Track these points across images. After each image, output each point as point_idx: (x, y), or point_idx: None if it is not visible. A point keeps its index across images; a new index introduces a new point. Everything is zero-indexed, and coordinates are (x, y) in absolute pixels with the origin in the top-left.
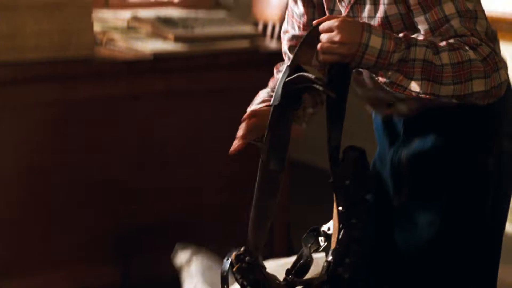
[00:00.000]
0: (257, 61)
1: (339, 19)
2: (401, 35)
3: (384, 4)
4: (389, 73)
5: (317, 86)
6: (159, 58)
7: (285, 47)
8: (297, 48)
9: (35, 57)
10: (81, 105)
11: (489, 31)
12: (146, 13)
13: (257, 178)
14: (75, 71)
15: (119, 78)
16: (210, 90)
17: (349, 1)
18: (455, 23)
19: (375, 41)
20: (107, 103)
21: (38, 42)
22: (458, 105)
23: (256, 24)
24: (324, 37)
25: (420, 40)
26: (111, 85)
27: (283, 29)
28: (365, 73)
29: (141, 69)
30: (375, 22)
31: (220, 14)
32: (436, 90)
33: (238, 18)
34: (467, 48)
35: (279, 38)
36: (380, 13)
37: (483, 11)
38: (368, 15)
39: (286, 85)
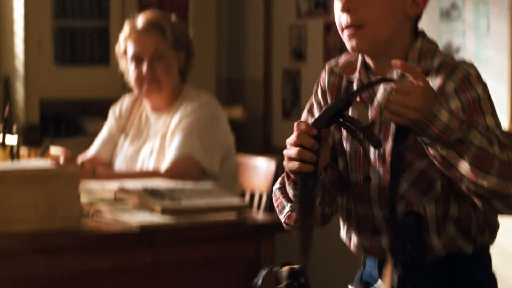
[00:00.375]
0: (245, 233)
1: (419, 85)
2: (461, 115)
3: None
4: (444, 149)
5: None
6: (146, 231)
7: None
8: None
9: (20, 229)
10: (65, 278)
11: None
12: (133, 184)
13: (299, 199)
14: (61, 243)
15: (106, 251)
16: (197, 262)
17: (379, 105)
18: (498, 133)
19: (444, 115)
20: (92, 276)
21: (23, 214)
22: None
23: (243, 193)
24: (398, 98)
25: (479, 125)
26: (97, 258)
27: None
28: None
29: (128, 242)
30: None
31: (207, 185)
32: (480, 177)
33: (225, 187)
34: (496, 143)
35: (266, 208)
36: None
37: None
38: None
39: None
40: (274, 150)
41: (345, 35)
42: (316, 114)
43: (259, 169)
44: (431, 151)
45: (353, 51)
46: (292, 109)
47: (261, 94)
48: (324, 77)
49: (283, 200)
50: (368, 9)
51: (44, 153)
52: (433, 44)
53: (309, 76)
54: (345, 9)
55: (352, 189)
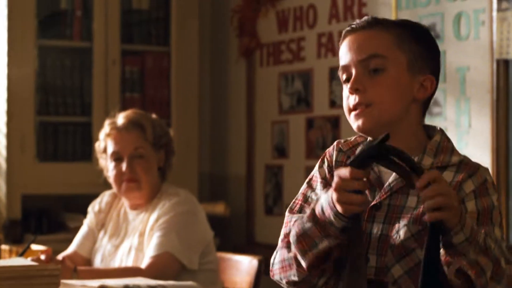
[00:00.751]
0: None
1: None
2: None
3: None
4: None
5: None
6: None
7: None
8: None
9: None
10: None
11: None
12: (115, 281)
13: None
14: None
15: None
16: None
17: (390, 188)
18: (503, 247)
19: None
20: None
21: None
22: None
23: None
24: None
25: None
26: None
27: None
28: None
29: None
30: (414, 213)
31: (189, 282)
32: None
33: (205, 283)
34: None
35: None
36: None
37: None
38: (409, 205)
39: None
40: (257, 246)
41: (351, 116)
42: (318, 188)
43: (242, 266)
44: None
45: (359, 131)
46: (275, 205)
47: (243, 190)
48: (332, 153)
49: (320, 234)
50: (376, 90)
51: (25, 253)
52: (450, 142)
53: (291, 171)
54: (353, 90)
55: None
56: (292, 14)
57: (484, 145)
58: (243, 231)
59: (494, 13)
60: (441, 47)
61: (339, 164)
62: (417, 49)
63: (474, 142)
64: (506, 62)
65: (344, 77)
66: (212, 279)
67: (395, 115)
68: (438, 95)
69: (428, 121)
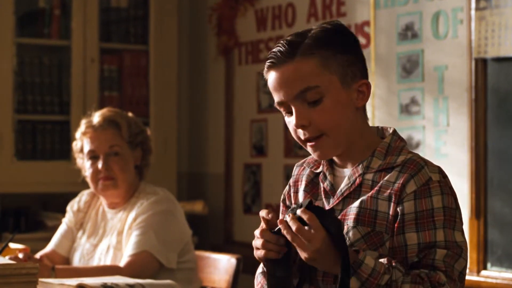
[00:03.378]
0: None
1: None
2: (384, 260)
3: (378, 199)
4: None
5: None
6: None
7: None
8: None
9: None
10: None
11: (464, 272)
12: (93, 280)
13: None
14: None
15: None
16: None
17: (342, 193)
18: (439, 255)
19: (369, 260)
20: None
21: None
22: None
23: None
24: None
25: (399, 265)
26: None
27: None
28: None
29: None
30: (361, 215)
31: (167, 281)
32: None
33: (183, 282)
34: (428, 285)
35: None
36: (372, 206)
37: (467, 246)
38: (359, 206)
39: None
40: (235, 245)
41: (308, 147)
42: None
43: (220, 264)
44: None
45: (320, 159)
46: (253, 203)
47: (222, 189)
48: (292, 174)
49: (265, 284)
50: (321, 119)
51: (3, 251)
52: (402, 142)
53: (270, 170)
54: (300, 126)
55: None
56: (271, 13)
57: (462, 143)
58: (221, 230)
59: (472, 12)
60: (419, 46)
61: (297, 175)
62: (344, 60)
63: (452, 141)
64: (484, 60)
65: (284, 111)
66: (191, 277)
67: (347, 134)
68: (416, 94)
69: (406, 120)
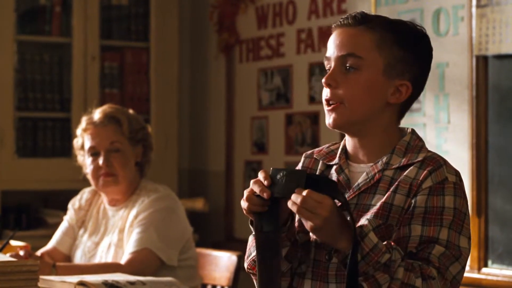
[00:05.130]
0: None
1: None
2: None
3: (396, 193)
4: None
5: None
6: None
7: None
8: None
9: None
10: None
11: (458, 277)
12: (93, 277)
13: (255, 243)
14: None
15: None
16: None
17: (359, 188)
18: (436, 250)
19: (373, 236)
20: None
21: None
22: None
23: (204, 286)
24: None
25: (399, 248)
26: None
27: None
28: None
29: None
30: (375, 209)
31: (168, 278)
32: None
33: (184, 279)
34: (418, 274)
35: None
36: (388, 200)
37: (468, 255)
38: (373, 204)
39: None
40: (236, 242)
41: (325, 110)
42: None
43: (221, 262)
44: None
45: (329, 127)
46: None
47: (223, 186)
48: (299, 164)
49: (252, 246)
50: (347, 89)
51: (4, 249)
52: (420, 141)
53: (270, 167)
54: (326, 84)
55: (312, 265)
56: (272, 10)
57: (463, 141)
58: (222, 227)
59: (473, 9)
60: None
61: (305, 167)
62: (399, 54)
63: (453, 138)
64: (485, 58)
65: (327, 66)
66: (191, 275)
67: (365, 115)
68: None
69: (407, 117)
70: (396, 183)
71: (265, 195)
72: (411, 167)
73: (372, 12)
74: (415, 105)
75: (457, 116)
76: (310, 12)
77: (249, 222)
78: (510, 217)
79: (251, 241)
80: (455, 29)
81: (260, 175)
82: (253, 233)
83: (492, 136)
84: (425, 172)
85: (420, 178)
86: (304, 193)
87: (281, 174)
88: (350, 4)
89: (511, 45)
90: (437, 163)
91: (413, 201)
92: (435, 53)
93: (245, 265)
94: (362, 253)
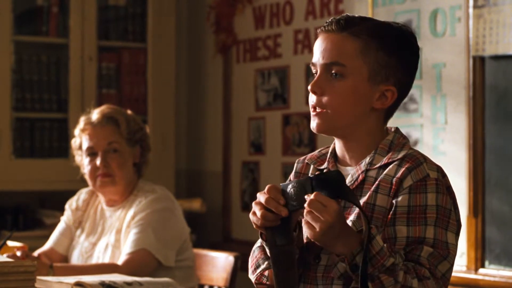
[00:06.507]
0: None
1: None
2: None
3: (377, 193)
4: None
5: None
6: None
7: None
8: None
9: None
10: None
11: (447, 275)
12: (90, 278)
13: (271, 258)
14: None
15: None
16: None
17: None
18: (425, 252)
19: (380, 240)
20: None
21: None
22: None
23: (201, 287)
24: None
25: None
26: None
27: None
28: None
29: None
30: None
31: (165, 279)
32: None
33: (181, 280)
34: (414, 276)
35: None
36: (370, 200)
37: (456, 251)
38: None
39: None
40: (233, 243)
41: (311, 115)
42: None
43: (218, 262)
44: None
45: (314, 131)
46: (251, 201)
47: (220, 187)
48: (294, 169)
49: (260, 258)
50: (332, 96)
51: (1, 249)
52: (404, 139)
53: (267, 168)
54: (312, 91)
55: (303, 269)
56: (269, 11)
57: (460, 141)
58: (219, 228)
59: (470, 10)
60: None
61: (298, 173)
62: (383, 59)
63: (450, 139)
64: (482, 58)
65: (314, 71)
66: (189, 275)
67: (349, 121)
68: (414, 91)
69: (404, 118)
70: (377, 182)
71: (282, 214)
72: (391, 165)
73: (370, 13)
74: (412, 106)
75: (454, 116)
76: (307, 13)
77: (259, 234)
78: (507, 217)
79: (258, 252)
80: (452, 29)
81: (272, 193)
82: (258, 244)
83: (489, 136)
84: (403, 169)
85: (399, 176)
86: (312, 196)
87: (290, 187)
88: (347, 5)
89: (508, 46)
90: (416, 160)
91: (394, 201)
92: (432, 54)
93: (252, 278)
94: (368, 255)
